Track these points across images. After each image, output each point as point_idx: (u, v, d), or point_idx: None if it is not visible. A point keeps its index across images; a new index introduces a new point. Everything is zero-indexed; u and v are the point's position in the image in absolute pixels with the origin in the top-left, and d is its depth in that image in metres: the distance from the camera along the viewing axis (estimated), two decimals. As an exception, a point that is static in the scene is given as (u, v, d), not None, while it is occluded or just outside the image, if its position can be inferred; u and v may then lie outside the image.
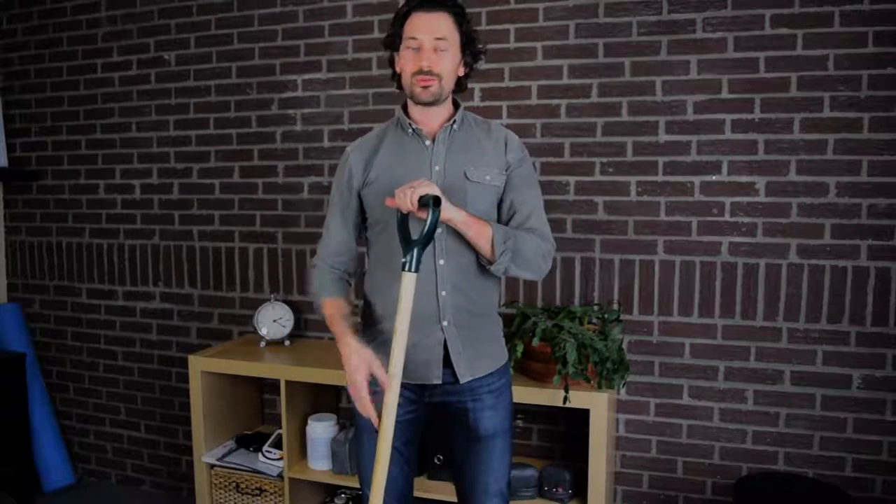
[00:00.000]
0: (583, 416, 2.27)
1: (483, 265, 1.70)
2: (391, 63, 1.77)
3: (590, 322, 2.39)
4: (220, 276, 3.05)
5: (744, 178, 2.36)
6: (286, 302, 2.87)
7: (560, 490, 2.33)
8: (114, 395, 3.30)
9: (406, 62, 1.68)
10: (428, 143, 1.73)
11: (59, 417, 3.39)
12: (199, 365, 2.66)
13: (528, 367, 2.32)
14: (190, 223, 3.07)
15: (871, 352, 2.28)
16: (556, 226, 2.51)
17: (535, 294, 2.60)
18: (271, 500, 2.66)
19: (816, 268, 2.31)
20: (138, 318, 3.20)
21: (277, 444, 2.66)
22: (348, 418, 2.70)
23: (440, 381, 1.72)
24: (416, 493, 2.27)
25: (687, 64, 2.38)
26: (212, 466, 2.72)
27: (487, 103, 2.60)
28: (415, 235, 1.54)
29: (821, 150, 2.28)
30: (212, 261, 3.05)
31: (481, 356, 1.75)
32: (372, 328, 1.79)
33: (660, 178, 2.44)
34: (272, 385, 2.96)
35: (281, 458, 2.60)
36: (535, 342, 2.22)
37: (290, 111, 2.88)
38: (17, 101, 3.33)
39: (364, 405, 1.58)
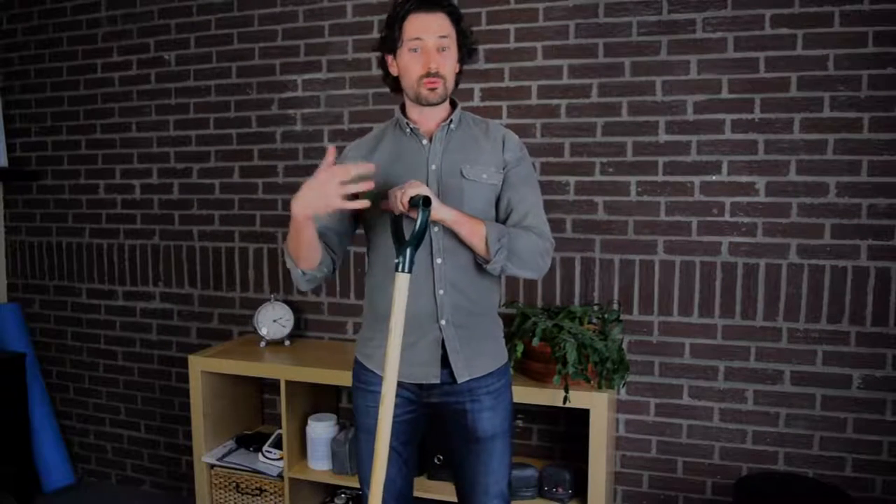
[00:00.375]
0: (583, 416, 2.27)
1: (480, 264, 1.70)
2: (383, 65, 1.77)
3: (590, 322, 2.39)
4: (220, 276, 3.05)
5: (744, 178, 2.36)
6: (286, 302, 2.87)
7: (560, 490, 2.33)
8: (114, 395, 3.30)
9: (410, 64, 1.67)
10: (425, 142, 1.73)
11: (59, 417, 3.39)
12: (199, 365, 2.66)
13: (528, 367, 2.32)
14: (190, 223, 3.07)
15: (871, 352, 2.28)
16: (556, 226, 2.52)
17: (535, 294, 2.60)
18: (271, 500, 2.66)
19: (816, 268, 2.31)
20: (138, 318, 3.20)
21: (277, 444, 2.66)
22: (348, 418, 2.71)
23: (438, 381, 1.72)
24: (416, 493, 2.27)
25: (687, 64, 2.38)
26: (212, 466, 2.72)
27: (487, 103, 2.60)
28: (408, 236, 1.54)
29: (821, 150, 2.28)
30: (212, 261, 3.05)
31: (479, 356, 1.75)
32: (373, 327, 1.79)
33: (660, 178, 2.44)
34: (272, 385, 2.96)
35: (281, 458, 2.60)
36: (535, 342, 2.22)
37: (290, 111, 2.88)
38: (17, 101, 3.33)
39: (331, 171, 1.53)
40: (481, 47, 2.55)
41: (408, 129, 1.74)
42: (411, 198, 1.53)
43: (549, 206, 2.51)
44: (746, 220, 2.36)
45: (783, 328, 2.35)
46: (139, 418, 3.26)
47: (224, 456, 2.71)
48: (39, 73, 3.27)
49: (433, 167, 1.71)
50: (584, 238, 2.53)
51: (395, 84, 1.77)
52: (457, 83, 1.77)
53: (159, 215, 3.13)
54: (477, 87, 2.61)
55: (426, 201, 1.52)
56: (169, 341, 3.16)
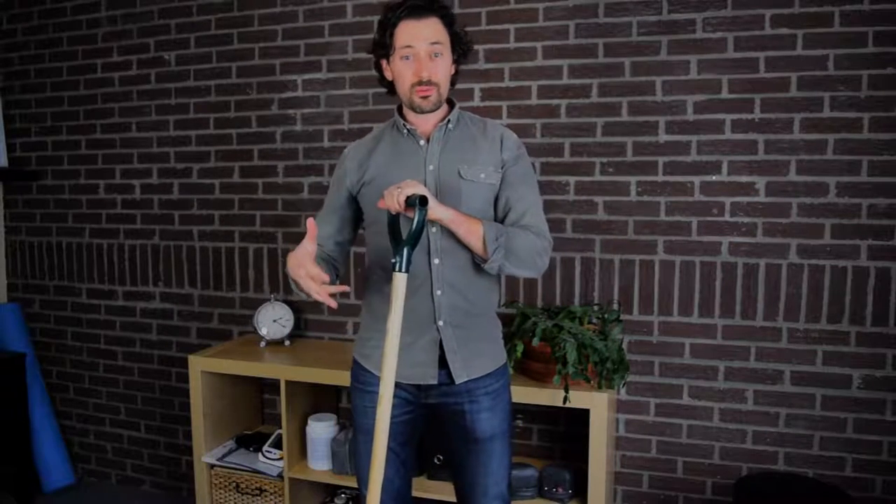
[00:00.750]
0: (583, 416, 2.27)
1: (478, 264, 1.69)
2: (378, 69, 1.76)
3: (590, 322, 2.39)
4: (220, 276, 3.05)
5: (744, 178, 2.36)
6: (286, 302, 2.87)
7: (560, 490, 2.33)
8: (114, 395, 3.30)
9: (403, 72, 1.67)
10: (422, 142, 1.73)
11: (59, 417, 3.39)
12: (199, 365, 2.66)
13: (528, 367, 2.32)
14: (190, 223, 3.07)
15: (871, 352, 2.28)
16: (556, 226, 2.52)
17: (535, 294, 2.60)
18: (271, 500, 2.66)
19: (816, 268, 2.31)
20: (138, 318, 3.20)
21: (277, 444, 2.66)
22: (348, 418, 2.71)
23: (435, 382, 1.72)
24: (416, 494, 2.27)
25: (687, 64, 2.38)
26: (212, 466, 2.72)
27: (487, 103, 2.60)
28: (405, 235, 1.54)
29: (821, 150, 2.28)
30: (212, 261, 3.05)
31: (477, 356, 1.75)
32: (371, 327, 1.79)
33: (660, 178, 2.44)
34: (272, 385, 2.96)
35: (281, 458, 2.60)
36: (535, 342, 2.22)
37: (290, 111, 2.88)
38: (17, 101, 3.33)
39: (316, 294, 1.54)
40: (481, 47, 2.56)
41: (405, 131, 1.74)
42: (408, 197, 1.53)
43: (549, 206, 2.53)
44: (746, 220, 2.36)
45: (783, 328, 2.35)
46: (139, 418, 3.26)
47: (224, 456, 2.71)
48: (39, 73, 3.27)
49: (431, 168, 1.71)
50: (584, 238, 2.53)
51: (391, 87, 1.76)
52: (454, 84, 1.77)
53: (159, 215, 3.13)
54: (477, 87, 2.61)
55: (423, 200, 1.52)
56: (169, 341, 3.16)
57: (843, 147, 2.26)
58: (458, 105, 1.79)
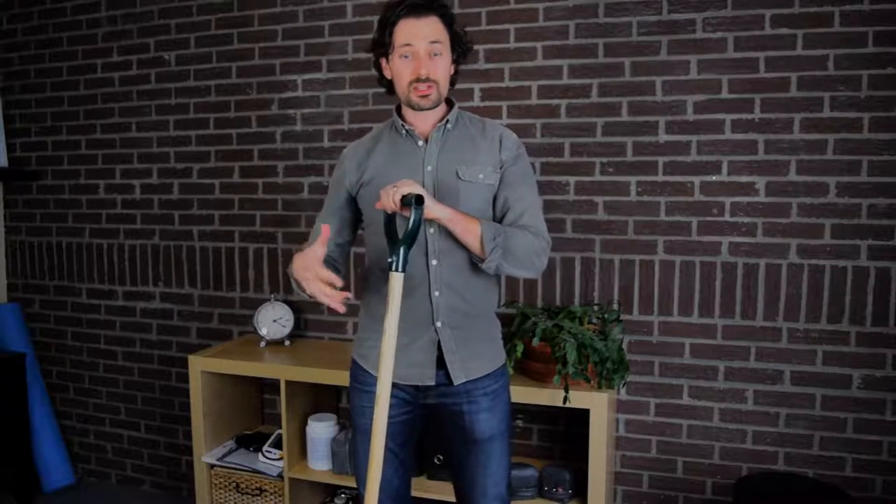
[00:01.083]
0: (583, 416, 2.27)
1: (476, 264, 1.69)
2: (378, 68, 1.76)
3: (590, 322, 2.39)
4: (220, 276, 3.05)
5: (744, 178, 2.36)
6: (286, 302, 2.87)
7: (560, 490, 2.33)
8: (114, 395, 3.30)
9: (401, 70, 1.67)
10: (421, 143, 1.73)
11: (59, 417, 3.39)
12: (199, 365, 2.66)
13: (528, 367, 2.32)
14: (190, 223, 3.07)
15: (871, 352, 2.28)
16: (556, 226, 2.52)
17: (535, 294, 2.60)
18: (271, 500, 2.66)
19: (816, 268, 2.31)
20: (138, 318, 3.20)
21: (277, 444, 2.66)
22: (348, 418, 2.70)
23: (433, 383, 1.72)
24: (417, 494, 2.28)
25: (687, 64, 2.38)
26: (212, 466, 2.72)
27: (487, 103, 2.60)
28: (402, 235, 1.54)
29: (821, 150, 2.28)
30: (212, 261, 3.05)
31: (476, 357, 1.75)
32: (369, 328, 1.79)
33: (660, 178, 2.44)
34: (272, 385, 2.96)
35: (281, 458, 2.60)
36: (535, 342, 2.22)
37: (290, 111, 2.88)
38: (17, 101, 3.33)
39: (322, 295, 1.52)
40: (481, 47, 2.56)
41: (403, 131, 1.74)
42: (403, 196, 1.52)
43: (549, 206, 2.53)
44: (746, 220, 2.36)
45: (783, 328, 2.35)
46: (139, 418, 3.26)
47: (224, 456, 2.71)
48: (39, 73, 3.27)
49: (429, 168, 1.71)
50: (584, 238, 2.53)
51: (390, 87, 1.76)
52: (453, 84, 1.77)
53: (159, 215, 3.13)
54: (477, 87, 2.61)
55: (419, 200, 1.51)
56: (169, 341, 3.16)
57: (843, 147, 2.26)
58: (457, 105, 1.79)
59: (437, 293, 1.69)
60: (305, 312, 2.92)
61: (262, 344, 2.80)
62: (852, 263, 2.28)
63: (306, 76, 2.84)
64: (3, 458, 3.01)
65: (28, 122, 3.32)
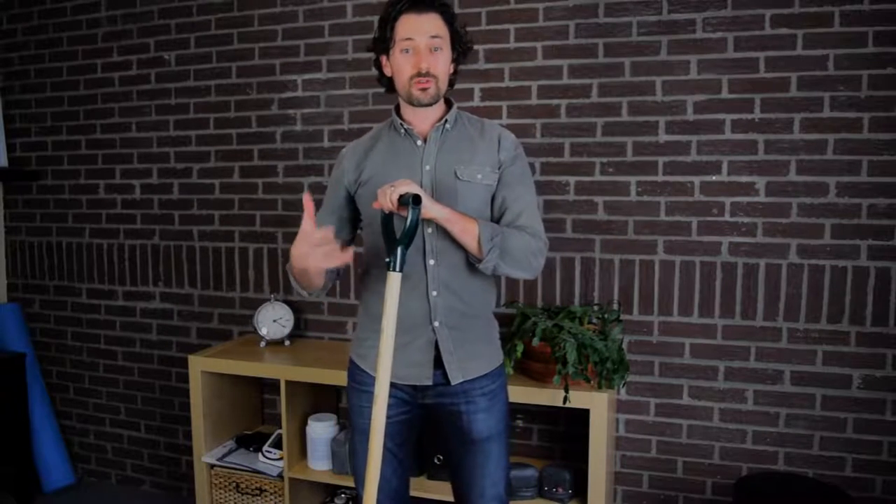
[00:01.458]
0: (583, 416, 2.27)
1: (473, 264, 1.69)
2: (377, 66, 1.76)
3: (590, 322, 2.39)
4: (220, 276, 3.05)
5: (744, 178, 2.36)
6: (286, 302, 2.87)
7: (560, 490, 2.33)
8: (114, 395, 3.30)
9: (402, 65, 1.67)
10: (419, 142, 1.73)
11: (59, 417, 3.39)
12: (199, 365, 2.66)
13: (528, 367, 2.32)
14: (190, 223, 3.07)
15: (871, 352, 2.28)
16: (556, 226, 2.52)
17: (535, 294, 2.60)
18: (271, 500, 2.66)
19: (816, 268, 2.31)
20: (138, 318, 3.20)
21: (277, 444, 2.66)
22: (348, 418, 2.70)
23: (431, 383, 1.72)
24: (417, 494, 2.28)
25: (687, 64, 2.38)
26: (212, 466, 2.72)
27: (487, 103, 2.60)
28: (399, 235, 1.54)
29: (821, 150, 2.28)
30: (212, 261, 3.05)
31: (474, 358, 1.75)
32: (367, 328, 1.79)
33: (660, 178, 2.44)
34: (272, 385, 2.96)
35: (281, 458, 2.60)
36: (535, 342, 2.22)
37: (290, 111, 2.88)
38: (17, 101, 3.33)
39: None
40: (481, 47, 2.56)
41: (402, 130, 1.74)
42: (401, 196, 1.52)
43: (549, 206, 2.53)
44: (746, 220, 2.36)
45: (783, 328, 2.35)
46: (139, 418, 3.26)
47: (224, 456, 2.71)
48: (39, 73, 3.27)
49: (427, 168, 1.71)
50: (584, 238, 2.53)
51: (389, 85, 1.76)
52: (452, 84, 1.77)
53: (159, 215, 3.13)
54: (477, 87, 2.61)
55: (416, 199, 1.51)
56: (169, 341, 3.16)
57: (843, 147, 2.26)
58: (455, 105, 1.79)
59: (434, 293, 1.70)
60: (305, 312, 2.92)
61: (262, 344, 2.80)
62: (852, 263, 2.28)
63: (306, 76, 2.84)
64: (3, 458, 3.01)
65: (28, 122, 3.32)
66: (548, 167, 2.55)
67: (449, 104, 1.78)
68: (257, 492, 2.67)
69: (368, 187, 1.73)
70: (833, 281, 2.29)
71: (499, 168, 1.73)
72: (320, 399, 2.76)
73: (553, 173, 2.54)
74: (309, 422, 2.60)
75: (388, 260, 1.51)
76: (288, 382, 2.54)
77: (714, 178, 2.38)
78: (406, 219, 1.51)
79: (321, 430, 2.57)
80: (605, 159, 2.49)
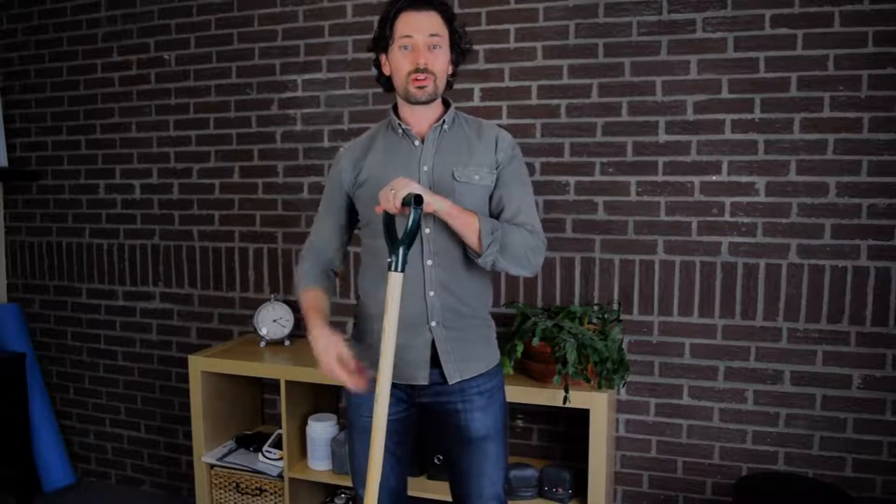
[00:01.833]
0: (583, 416, 2.27)
1: (471, 258, 1.69)
2: (377, 65, 1.77)
3: (590, 322, 2.39)
4: (220, 276, 3.05)
5: (744, 178, 2.36)
6: (286, 302, 2.87)
7: (560, 490, 2.33)
8: (114, 395, 3.30)
9: (400, 62, 1.67)
10: (417, 143, 1.73)
11: (59, 417, 3.39)
12: (199, 365, 2.66)
13: (528, 367, 2.32)
14: (190, 223, 3.07)
15: (871, 352, 2.28)
16: (556, 226, 2.52)
17: (535, 294, 2.60)
18: (271, 500, 2.66)
19: (816, 268, 2.31)
20: (138, 318, 3.20)
21: (277, 444, 2.66)
22: (347, 419, 2.70)
23: (427, 382, 1.72)
24: (416, 494, 2.28)
25: (687, 64, 2.38)
26: (212, 466, 2.72)
27: (487, 103, 2.60)
28: (401, 235, 1.54)
29: (821, 150, 2.28)
30: (212, 261, 3.05)
31: (471, 358, 1.75)
32: (364, 326, 1.80)
33: (660, 178, 2.44)
34: (272, 385, 2.96)
35: (281, 458, 2.60)
36: (535, 342, 2.22)
37: (290, 111, 2.88)
38: (17, 101, 3.33)
39: (339, 376, 1.57)
40: (481, 47, 2.56)
41: (400, 130, 1.74)
42: (403, 197, 1.53)
43: (549, 206, 2.53)
44: (746, 220, 2.36)
45: (783, 328, 2.35)
46: (139, 418, 3.26)
47: (224, 456, 2.71)
48: (39, 73, 3.27)
49: (425, 168, 1.71)
50: (584, 238, 2.53)
51: (388, 84, 1.76)
52: (451, 85, 1.77)
53: (159, 215, 3.13)
54: (477, 87, 2.61)
55: (417, 199, 1.51)
56: (169, 341, 3.16)
57: (843, 147, 2.26)
58: (453, 105, 1.79)
59: (431, 293, 1.70)
60: (305, 312, 2.92)
61: (262, 344, 2.80)
62: (852, 263, 2.28)
63: (306, 76, 2.84)
64: (3, 459, 3.01)
65: (28, 122, 3.32)
66: (548, 167, 2.55)
67: (447, 104, 1.78)
68: (257, 492, 2.67)
69: (366, 188, 1.74)
70: (833, 281, 2.29)
71: (496, 168, 1.74)
72: (320, 399, 2.76)
73: (553, 173, 2.54)
74: (309, 422, 2.60)
75: (389, 260, 1.51)
76: (288, 382, 2.54)
77: (714, 178, 2.38)
78: (408, 219, 1.51)
79: (321, 430, 2.57)
80: (605, 159, 2.49)
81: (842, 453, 2.33)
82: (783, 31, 2.27)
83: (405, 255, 1.51)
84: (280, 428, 2.65)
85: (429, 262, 1.69)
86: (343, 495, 2.70)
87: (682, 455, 2.49)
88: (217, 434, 2.76)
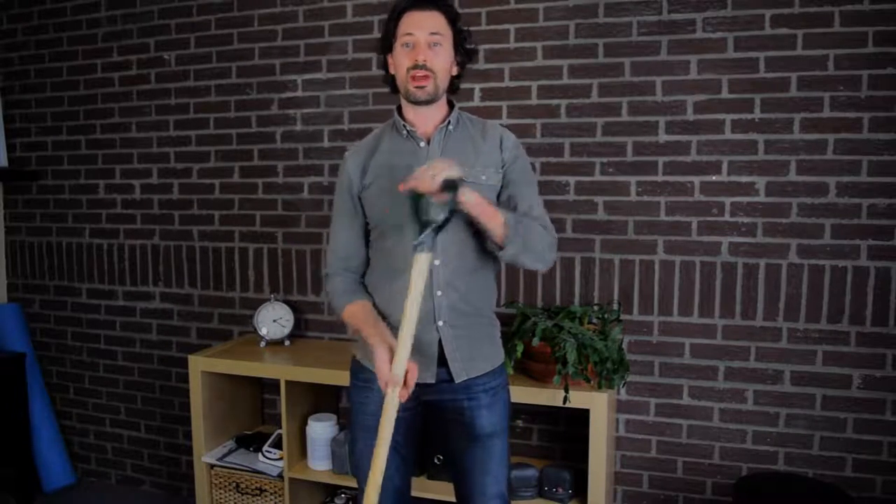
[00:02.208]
0: (583, 416, 2.27)
1: (487, 252, 1.70)
2: (384, 66, 1.77)
3: (590, 322, 2.39)
4: (220, 276, 3.05)
5: (744, 178, 2.36)
6: (286, 302, 2.87)
7: (560, 490, 2.33)
8: (114, 395, 3.30)
9: (401, 59, 1.68)
10: (423, 144, 1.73)
11: (59, 417, 3.39)
12: (199, 365, 2.66)
13: (528, 367, 2.32)
14: (190, 223, 3.07)
15: (871, 352, 2.28)
16: (557, 226, 2.48)
17: (535, 294, 2.60)
18: (271, 500, 2.66)
19: (816, 268, 2.31)
20: (138, 318, 3.20)
21: (277, 444, 2.66)
22: (348, 418, 2.70)
23: (433, 381, 1.73)
24: (417, 494, 2.27)
25: (687, 64, 2.38)
26: (212, 466, 2.72)
27: (487, 103, 2.60)
28: (428, 217, 1.50)
29: (821, 150, 2.28)
30: (212, 261, 3.05)
31: (477, 357, 1.76)
32: None
33: (660, 178, 2.44)
34: (272, 385, 2.96)
35: (281, 458, 2.60)
36: (535, 342, 2.22)
37: (290, 111, 2.88)
38: (17, 101, 3.33)
39: (387, 390, 1.55)
40: (481, 47, 2.56)
41: (404, 131, 1.74)
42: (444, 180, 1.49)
43: (549, 206, 2.50)
44: (746, 220, 2.36)
45: (783, 328, 2.35)
46: (139, 418, 3.26)
47: (224, 456, 2.71)
48: (39, 73, 3.27)
49: None
50: (584, 238, 2.53)
51: (394, 84, 1.77)
52: (456, 88, 1.77)
53: (159, 215, 3.13)
54: (477, 87, 2.60)
55: (453, 184, 1.49)
56: (169, 341, 3.16)
57: (843, 147, 2.26)
58: (457, 106, 1.79)
59: (439, 293, 1.70)
60: (305, 312, 2.92)
61: (262, 344, 2.80)
62: (852, 263, 2.28)
63: (306, 76, 2.84)
64: (3, 459, 3.01)
65: (28, 122, 3.32)
66: (548, 167, 2.55)
67: (451, 105, 1.78)
68: (257, 492, 2.67)
69: (372, 190, 1.74)
70: (833, 281, 2.29)
71: (502, 167, 1.74)
72: (320, 399, 2.76)
73: (553, 173, 2.54)
74: (309, 422, 2.60)
75: (418, 242, 1.48)
76: (288, 382, 2.54)
77: (714, 178, 2.38)
78: (438, 203, 1.48)
79: (321, 430, 2.57)
80: (605, 159, 2.49)
81: (842, 453, 2.33)
82: (783, 31, 2.27)
83: (435, 238, 1.50)
84: (280, 428, 2.65)
85: (437, 262, 1.69)
86: (343, 495, 2.70)
87: (682, 455, 2.49)
88: (217, 434, 2.76)
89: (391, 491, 1.77)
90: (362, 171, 1.76)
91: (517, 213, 1.71)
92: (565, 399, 2.18)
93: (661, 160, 2.43)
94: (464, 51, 1.74)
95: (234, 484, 2.69)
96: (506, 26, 2.56)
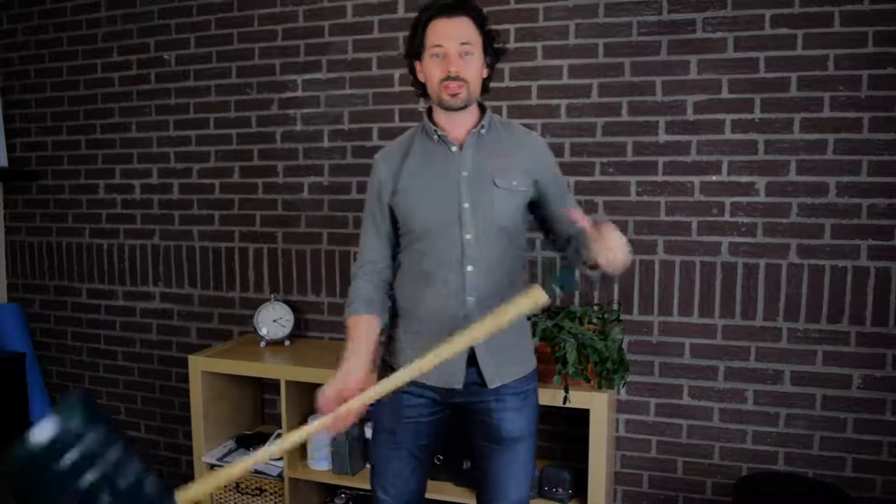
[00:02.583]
0: (583, 416, 2.27)
1: (521, 257, 1.75)
2: (412, 72, 1.76)
3: (590, 322, 2.39)
4: (220, 276, 3.05)
5: (744, 178, 2.36)
6: (286, 302, 2.87)
7: (560, 490, 2.33)
8: (114, 395, 3.30)
9: (432, 70, 1.67)
10: (454, 149, 1.72)
11: (59, 417, 3.38)
12: (199, 365, 2.66)
13: (528, 367, 2.32)
14: (190, 223, 3.07)
15: (871, 352, 2.28)
16: (556, 226, 2.52)
17: (535, 294, 2.59)
18: (271, 500, 2.66)
19: (816, 268, 2.31)
20: (138, 318, 3.20)
21: (277, 444, 2.66)
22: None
23: (461, 387, 1.72)
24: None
25: (687, 64, 2.38)
26: (212, 466, 2.72)
27: (487, 103, 2.57)
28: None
29: (821, 150, 2.28)
30: (212, 261, 3.05)
31: (509, 363, 1.75)
32: (407, 329, 1.77)
33: (660, 178, 2.44)
34: (272, 385, 2.96)
35: (281, 458, 2.60)
36: (535, 342, 2.22)
37: (290, 111, 2.87)
38: (17, 101, 3.33)
39: (323, 411, 1.54)
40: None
41: (435, 136, 1.73)
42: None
43: (549, 206, 2.53)
44: (746, 220, 2.36)
45: (783, 328, 2.35)
46: (139, 418, 3.26)
47: (224, 456, 2.70)
48: (39, 73, 3.27)
49: (465, 174, 1.70)
50: (584, 238, 2.52)
51: (424, 90, 1.75)
52: (487, 87, 1.76)
53: (159, 215, 3.12)
54: (477, 87, 2.60)
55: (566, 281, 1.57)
56: (169, 341, 3.16)
57: (843, 147, 2.26)
58: (489, 110, 1.78)
59: (471, 299, 1.69)
60: (305, 312, 2.92)
61: (262, 344, 2.80)
62: (852, 263, 2.28)
63: (306, 76, 2.84)
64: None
65: (28, 122, 3.32)
66: (548, 167, 2.55)
67: (482, 109, 1.77)
68: (257, 492, 2.67)
69: (404, 195, 1.72)
70: (833, 281, 2.29)
71: (532, 173, 1.74)
72: (320, 399, 2.76)
73: (553, 173, 2.54)
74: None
75: (549, 287, 1.52)
76: (288, 382, 2.54)
77: (714, 178, 2.38)
78: (590, 283, 1.54)
79: (321, 430, 2.56)
80: (605, 159, 2.49)
81: (842, 453, 2.33)
82: (783, 31, 2.27)
83: (558, 290, 1.54)
84: (280, 428, 2.65)
85: (469, 269, 1.68)
86: (343, 495, 2.70)
87: (682, 455, 2.49)
88: (217, 434, 2.76)
89: (407, 494, 1.79)
90: (394, 176, 1.74)
91: (573, 227, 1.69)
92: (565, 399, 2.18)
93: (661, 160, 2.43)
94: (493, 51, 1.74)
95: (234, 484, 2.69)
96: (506, 26, 2.56)
